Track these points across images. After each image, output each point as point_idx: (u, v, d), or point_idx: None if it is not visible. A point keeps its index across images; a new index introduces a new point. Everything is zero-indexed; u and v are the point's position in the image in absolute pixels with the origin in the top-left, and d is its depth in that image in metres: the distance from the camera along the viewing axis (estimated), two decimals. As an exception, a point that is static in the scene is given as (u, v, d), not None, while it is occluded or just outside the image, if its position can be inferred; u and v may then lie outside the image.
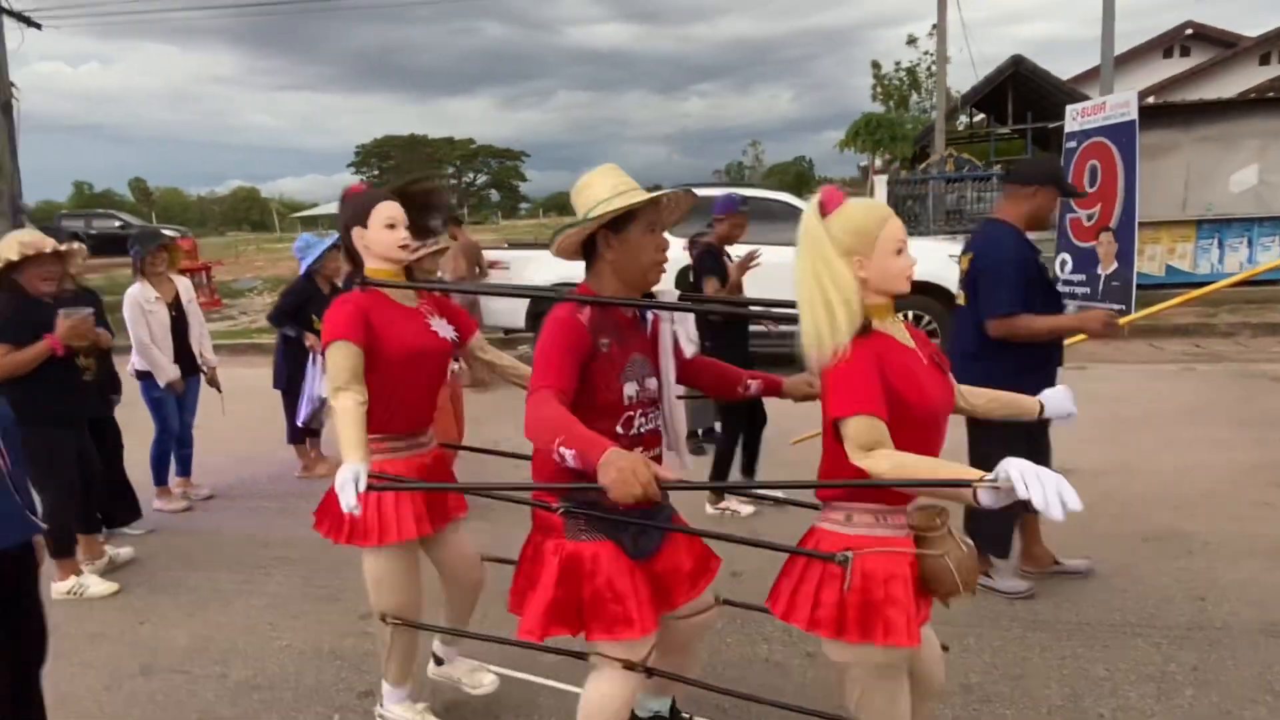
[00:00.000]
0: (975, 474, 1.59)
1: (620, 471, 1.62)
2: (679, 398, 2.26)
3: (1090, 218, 5.30)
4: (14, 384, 3.52)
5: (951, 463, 1.68)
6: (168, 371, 4.80)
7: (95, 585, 3.87)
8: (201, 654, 3.29)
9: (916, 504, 1.91)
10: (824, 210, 1.83)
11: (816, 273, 1.77)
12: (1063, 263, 5.62)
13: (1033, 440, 3.39)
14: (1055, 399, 2.22)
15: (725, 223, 4.69)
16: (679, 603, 2.17)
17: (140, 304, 4.77)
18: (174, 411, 5.00)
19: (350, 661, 3.19)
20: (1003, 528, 3.47)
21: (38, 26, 14.12)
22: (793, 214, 8.30)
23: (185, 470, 5.23)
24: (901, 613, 1.78)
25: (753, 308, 3.00)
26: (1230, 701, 2.72)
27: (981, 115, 25.80)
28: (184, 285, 5.08)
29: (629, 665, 2.05)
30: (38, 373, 3.61)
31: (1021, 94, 21.32)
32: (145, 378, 4.86)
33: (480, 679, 2.77)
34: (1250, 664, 2.93)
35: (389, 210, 2.45)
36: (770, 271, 4.38)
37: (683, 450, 2.25)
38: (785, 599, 1.90)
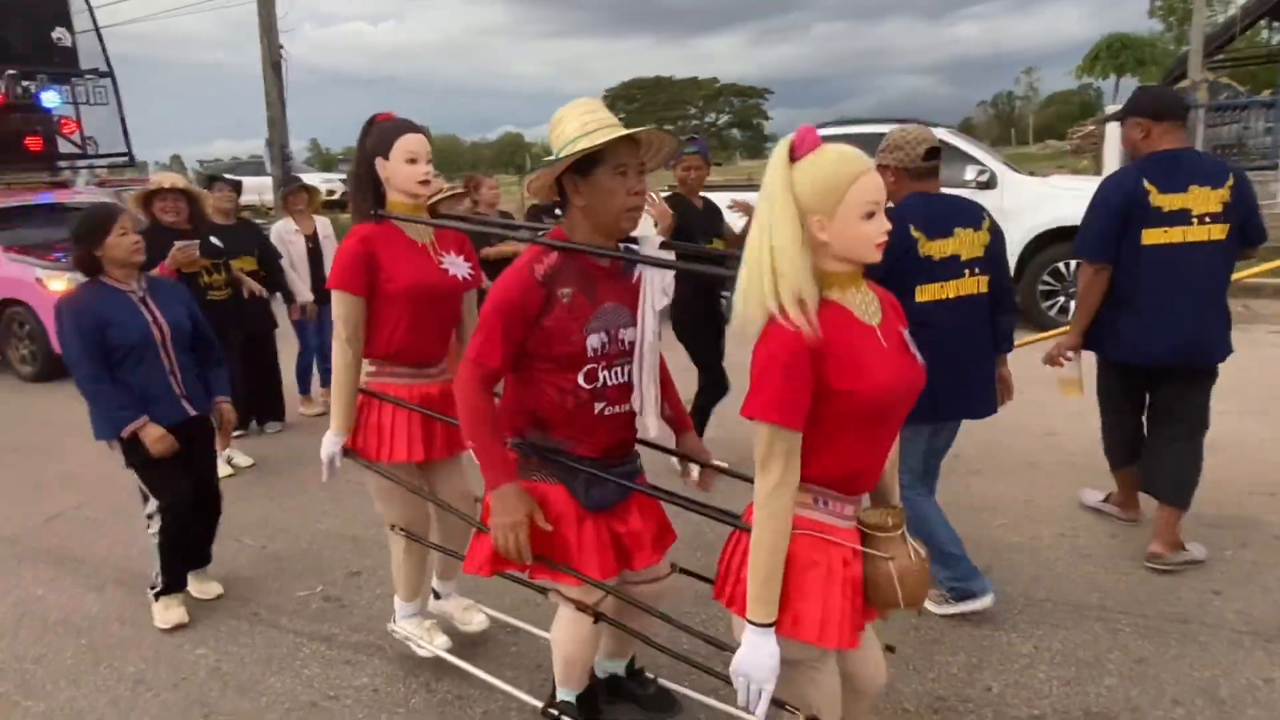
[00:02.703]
0: (755, 616, 1.58)
1: (501, 529, 1.89)
2: None
3: None
4: None
5: (776, 581, 1.58)
6: (301, 293, 5.65)
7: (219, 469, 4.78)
8: (259, 528, 4.01)
9: (871, 502, 1.82)
10: (794, 154, 1.57)
11: (764, 229, 1.57)
12: None
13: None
14: None
15: (677, 169, 4.22)
16: (637, 566, 2.14)
17: (282, 235, 5.66)
18: (313, 331, 5.86)
19: (360, 547, 3.72)
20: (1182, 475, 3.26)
21: (301, -8, 16.10)
22: (945, 153, 7.90)
23: (326, 382, 6.13)
24: (814, 607, 1.62)
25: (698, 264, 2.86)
26: (1152, 697, 2.47)
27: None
28: (322, 223, 5.90)
29: (581, 607, 2.08)
30: None
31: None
32: (292, 300, 5.76)
33: (472, 617, 2.83)
34: (1211, 666, 2.61)
35: (412, 143, 2.42)
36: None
37: (650, 414, 2.06)
38: (720, 573, 1.79)
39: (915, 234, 2.69)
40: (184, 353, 3.13)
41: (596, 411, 2.02)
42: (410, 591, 2.74)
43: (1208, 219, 3.04)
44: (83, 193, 8.92)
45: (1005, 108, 76.85)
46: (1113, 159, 12.69)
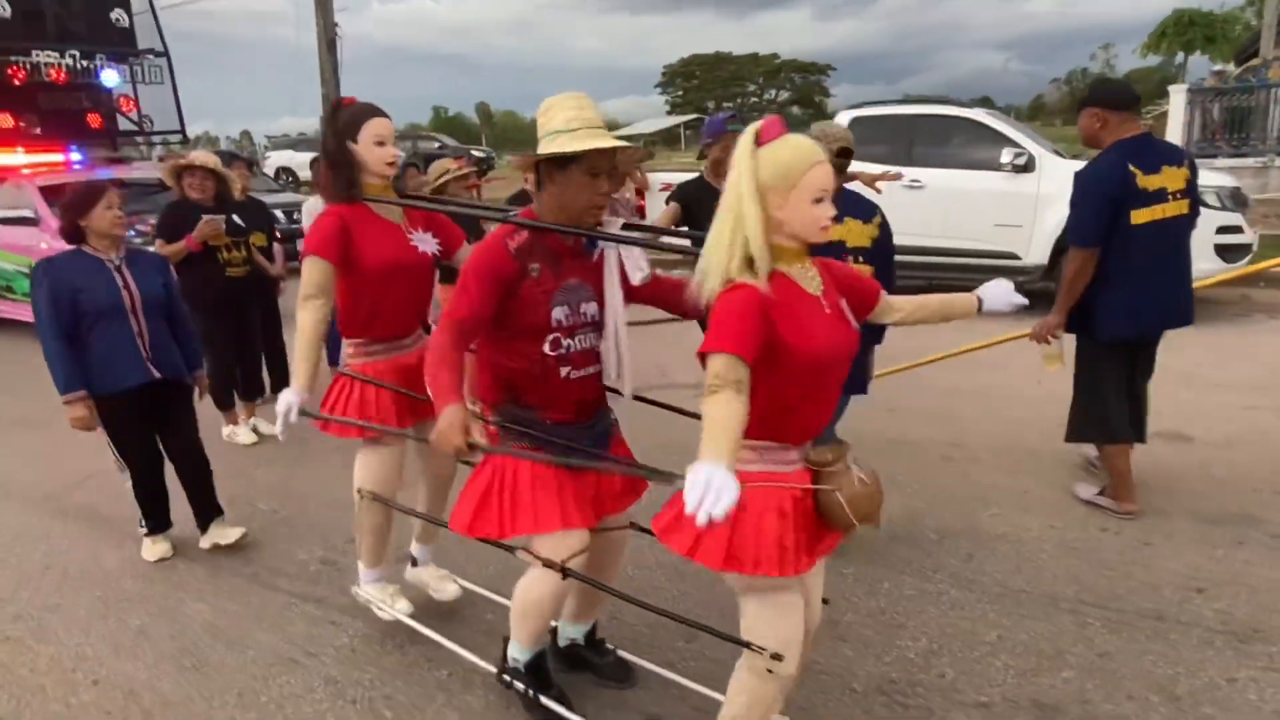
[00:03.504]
0: (706, 454, 1.56)
1: (439, 433, 1.97)
2: (646, 323, 2.35)
3: None
4: (180, 276, 4.62)
5: (720, 430, 1.60)
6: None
7: (242, 436, 5.00)
8: (273, 493, 4.20)
9: (816, 443, 1.94)
10: (759, 140, 1.77)
11: (732, 205, 1.76)
12: None
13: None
14: (994, 292, 2.20)
15: (715, 148, 3.94)
16: (605, 513, 2.29)
17: (312, 212, 5.84)
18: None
19: (363, 515, 3.88)
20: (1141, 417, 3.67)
21: (356, -28, 16.37)
22: (980, 134, 7.72)
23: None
24: (773, 544, 1.81)
25: (666, 239, 3.02)
26: (1106, 691, 2.47)
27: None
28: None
29: (548, 564, 2.18)
30: (193, 267, 4.67)
31: None
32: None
33: (445, 586, 2.95)
34: (1175, 664, 2.59)
35: (379, 127, 2.53)
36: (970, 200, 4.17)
37: (624, 377, 2.23)
38: (668, 519, 1.92)
39: None
40: (156, 320, 3.38)
41: (562, 376, 2.18)
42: (373, 558, 2.87)
43: (1178, 195, 3.36)
44: (140, 168, 9.31)
45: (1080, 85, 74.09)
46: (1175, 141, 12.23)
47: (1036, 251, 7.37)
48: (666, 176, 8.99)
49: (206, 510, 3.60)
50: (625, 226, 2.28)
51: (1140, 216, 3.31)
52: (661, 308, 2.35)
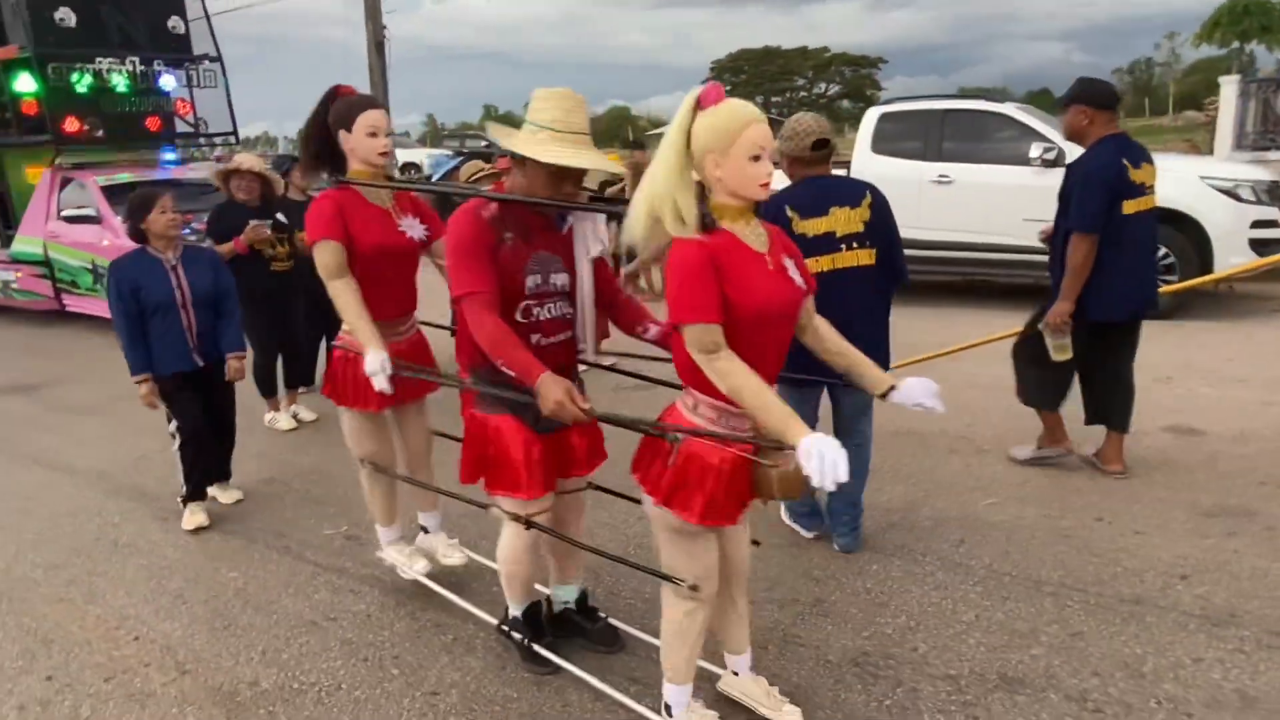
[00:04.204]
0: (794, 436, 1.76)
1: (549, 407, 2.05)
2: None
3: None
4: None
5: (779, 407, 1.81)
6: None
7: (282, 422, 5.30)
8: (307, 474, 4.47)
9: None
10: (700, 105, 1.87)
11: (662, 166, 1.89)
12: None
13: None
14: (912, 387, 2.15)
15: None
16: (572, 474, 2.50)
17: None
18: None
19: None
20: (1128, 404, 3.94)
21: (403, -26, 16.79)
22: (1010, 129, 7.68)
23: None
24: (702, 496, 1.98)
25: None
26: (1072, 667, 2.56)
27: None
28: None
29: (516, 518, 2.42)
30: (240, 264, 4.96)
31: None
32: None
33: (453, 553, 3.14)
34: (1145, 645, 2.67)
35: (373, 118, 2.66)
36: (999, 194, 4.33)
37: (590, 341, 2.44)
38: (642, 463, 2.11)
39: (790, 214, 3.01)
40: (205, 312, 3.74)
41: (534, 342, 2.31)
42: (386, 516, 3.13)
43: (1152, 190, 3.69)
44: (196, 168, 9.75)
45: (1143, 76, 71.86)
46: (1225, 133, 11.94)
47: (1068, 246, 7.34)
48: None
49: (219, 472, 4.06)
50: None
51: (1129, 207, 3.58)
52: (613, 320, 2.54)
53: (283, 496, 4.18)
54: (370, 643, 2.87)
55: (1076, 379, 3.95)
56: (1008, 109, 7.86)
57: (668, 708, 2.28)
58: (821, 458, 1.71)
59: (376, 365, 2.52)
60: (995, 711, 2.38)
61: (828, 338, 2.19)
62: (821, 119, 3.15)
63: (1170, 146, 15.30)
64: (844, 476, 1.70)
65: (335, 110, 2.71)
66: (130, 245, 3.77)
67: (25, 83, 8.56)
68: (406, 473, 3.17)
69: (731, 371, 1.86)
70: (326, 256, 2.66)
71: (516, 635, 2.66)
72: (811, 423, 3.01)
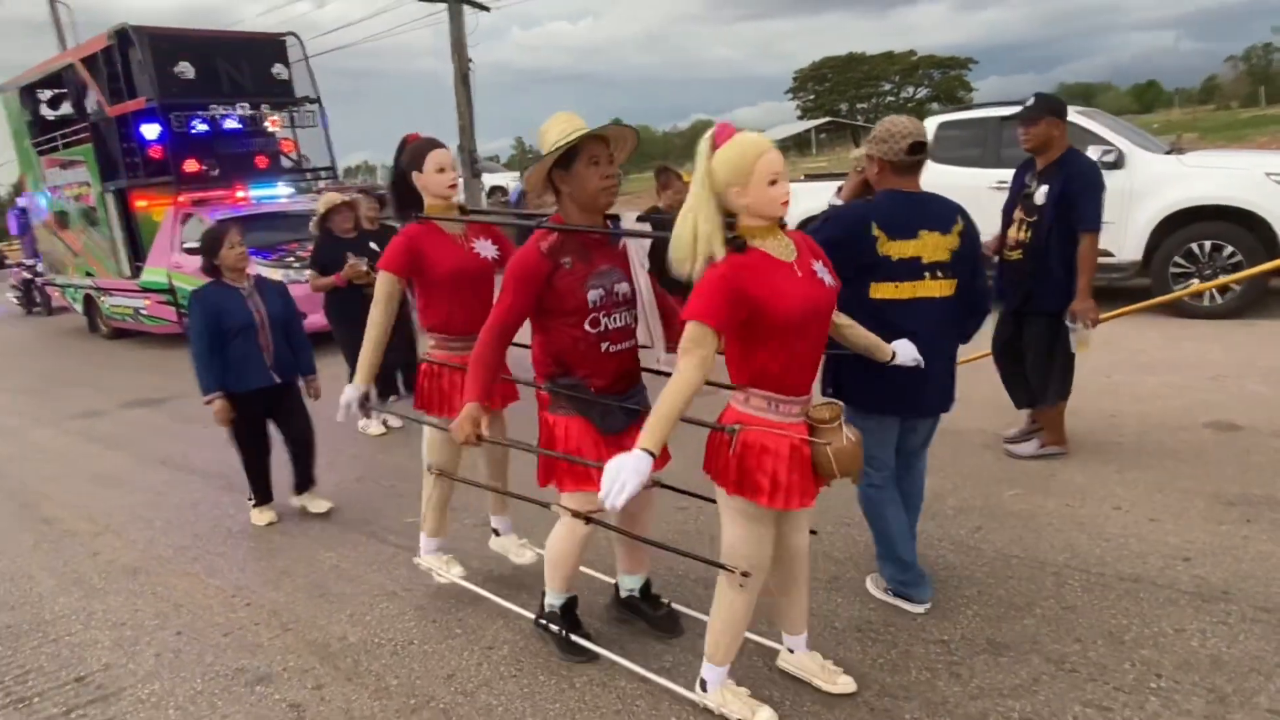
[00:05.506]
0: (641, 443, 2.07)
1: (456, 424, 2.57)
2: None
3: None
4: (327, 296, 5.61)
5: (665, 424, 2.08)
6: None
7: (373, 428, 5.89)
8: (393, 473, 5.02)
9: (816, 400, 2.33)
10: (715, 144, 2.10)
11: (694, 206, 2.12)
12: None
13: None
14: (904, 349, 2.66)
15: None
16: None
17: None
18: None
19: (458, 490, 4.60)
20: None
21: (486, 9, 17.71)
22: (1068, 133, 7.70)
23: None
24: (766, 478, 2.19)
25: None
26: (1057, 635, 2.80)
27: None
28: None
29: (577, 515, 2.66)
30: (340, 292, 5.56)
31: None
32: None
33: (523, 553, 3.44)
34: (1132, 616, 2.87)
35: (440, 157, 3.04)
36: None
37: (658, 343, 2.62)
38: (709, 459, 2.34)
39: (875, 232, 2.77)
40: (278, 334, 4.20)
41: (603, 350, 2.60)
42: (435, 528, 3.44)
43: None
44: (298, 201, 10.66)
45: (1260, 63, 67.88)
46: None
47: (1130, 248, 7.33)
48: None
49: (303, 481, 4.51)
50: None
51: None
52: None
53: (371, 490, 4.73)
54: (439, 609, 3.33)
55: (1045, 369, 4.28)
56: (1070, 114, 7.89)
57: (703, 682, 2.51)
58: (615, 471, 2.00)
59: (351, 395, 3.03)
60: (977, 669, 2.65)
61: (842, 323, 2.52)
62: (917, 120, 2.83)
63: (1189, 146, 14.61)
64: (618, 504, 1.99)
65: (407, 155, 3.08)
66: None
67: (151, 130, 9.60)
68: (488, 477, 3.45)
69: (686, 374, 2.10)
70: (382, 284, 3.10)
71: (554, 627, 2.91)
72: (889, 455, 2.98)
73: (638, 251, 2.63)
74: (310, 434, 4.49)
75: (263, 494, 4.43)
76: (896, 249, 2.78)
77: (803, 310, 2.16)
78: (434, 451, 3.34)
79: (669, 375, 2.85)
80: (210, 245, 4.09)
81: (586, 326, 2.56)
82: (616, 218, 2.67)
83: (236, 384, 4.13)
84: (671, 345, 2.71)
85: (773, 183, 2.09)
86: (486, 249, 3.21)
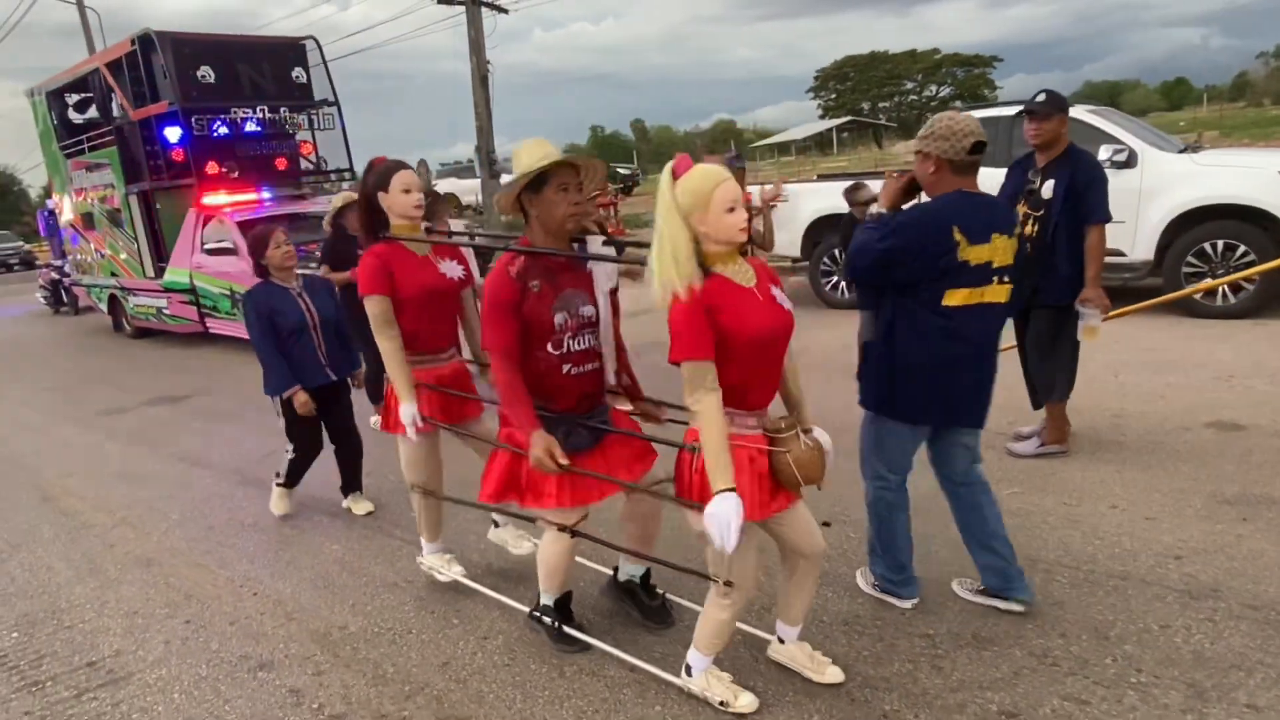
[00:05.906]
0: (717, 486, 2.14)
1: (535, 459, 2.50)
2: None
3: None
4: (344, 293, 5.69)
5: (724, 458, 2.15)
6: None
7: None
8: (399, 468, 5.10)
9: (770, 412, 2.40)
10: (675, 175, 2.20)
11: (664, 231, 2.19)
12: None
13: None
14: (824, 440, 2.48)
15: None
16: (624, 476, 2.70)
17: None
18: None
19: (472, 491, 4.70)
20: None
21: (504, 11, 17.84)
22: (1079, 132, 7.68)
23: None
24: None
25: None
26: (1042, 630, 2.82)
27: None
28: (455, 224, 7.00)
29: (560, 528, 2.74)
30: (355, 289, 5.66)
31: None
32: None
33: (521, 543, 3.59)
34: (1118, 612, 2.89)
35: (405, 178, 3.07)
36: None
37: (608, 359, 2.70)
38: (678, 479, 2.41)
39: (958, 237, 2.62)
40: (329, 333, 4.26)
41: (565, 372, 2.64)
42: (431, 534, 3.51)
43: None
44: (318, 202, 10.83)
45: (1292, 60, 66.78)
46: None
47: (1141, 247, 7.28)
48: (792, 187, 9.37)
49: (352, 483, 4.54)
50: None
51: None
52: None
53: (379, 486, 4.82)
54: (438, 600, 3.42)
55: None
56: (1076, 111, 7.85)
57: (688, 667, 2.60)
58: (719, 520, 2.09)
59: (408, 418, 3.06)
60: (959, 662, 2.69)
61: (788, 366, 2.47)
62: (975, 118, 2.67)
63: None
64: (730, 546, 2.09)
65: (373, 177, 3.11)
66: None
67: (174, 133, 9.80)
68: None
69: (707, 412, 2.18)
70: (375, 308, 3.09)
71: (547, 620, 2.98)
72: (910, 461, 2.98)
73: (603, 273, 2.67)
74: (357, 433, 4.55)
75: (295, 480, 4.48)
76: (975, 254, 2.65)
77: (764, 334, 2.24)
78: (414, 471, 3.39)
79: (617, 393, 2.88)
80: (257, 246, 4.13)
81: (550, 348, 2.60)
82: (583, 241, 2.71)
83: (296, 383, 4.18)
84: (621, 367, 2.82)
85: (730, 210, 2.17)
86: (452, 269, 3.25)
